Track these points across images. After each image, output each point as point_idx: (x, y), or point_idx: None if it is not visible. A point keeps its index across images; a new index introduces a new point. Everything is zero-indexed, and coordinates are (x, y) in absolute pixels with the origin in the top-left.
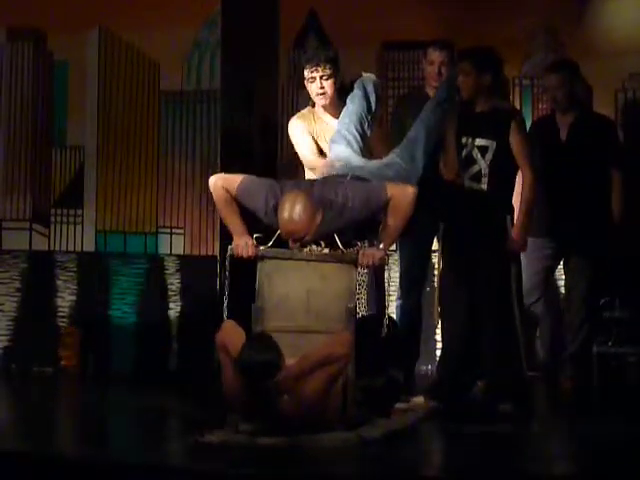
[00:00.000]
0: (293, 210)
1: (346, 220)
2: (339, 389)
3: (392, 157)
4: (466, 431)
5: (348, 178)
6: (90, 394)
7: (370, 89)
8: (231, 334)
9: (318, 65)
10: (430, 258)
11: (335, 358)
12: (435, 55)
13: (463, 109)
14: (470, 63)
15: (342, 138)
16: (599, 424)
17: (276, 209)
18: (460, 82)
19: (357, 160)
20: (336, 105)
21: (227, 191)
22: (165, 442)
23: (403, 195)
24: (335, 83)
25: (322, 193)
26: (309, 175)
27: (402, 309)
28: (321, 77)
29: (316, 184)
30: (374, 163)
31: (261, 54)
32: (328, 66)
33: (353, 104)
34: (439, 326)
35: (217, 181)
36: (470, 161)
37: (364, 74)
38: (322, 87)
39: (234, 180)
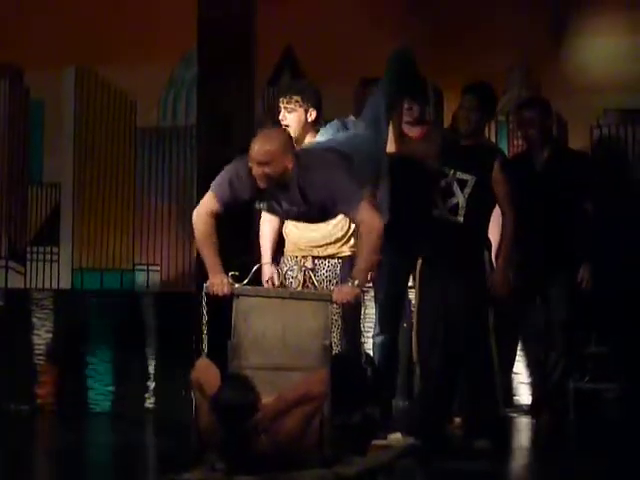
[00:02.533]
0: (266, 138)
1: (314, 198)
2: (315, 427)
3: (359, 126)
4: (443, 468)
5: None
6: (66, 432)
7: (350, 127)
8: (206, 372)
9: (284, 96)
10: (406, 294)
11: (312, 397)
12: None
13: (451, 140)
14: (477, 98)
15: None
16: (575, 460)
17: (249, 179)
18: (463, 116)
19: (327, 135)
20: (312, 140)
21: (211, 214)
22: None
23: (372, 226)
24: (304, 118)
25: (303, 160)
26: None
27: (379, 345)
28: (285, 109)
29: (298, 150)
30: (343, 134)
31: (237, 90)
32: (295, 99)
33: (331, 129)
34: (416, 362)
35: (198, 212)
36: (449, 193)
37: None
38: (284, 118)
39: (208, 195)
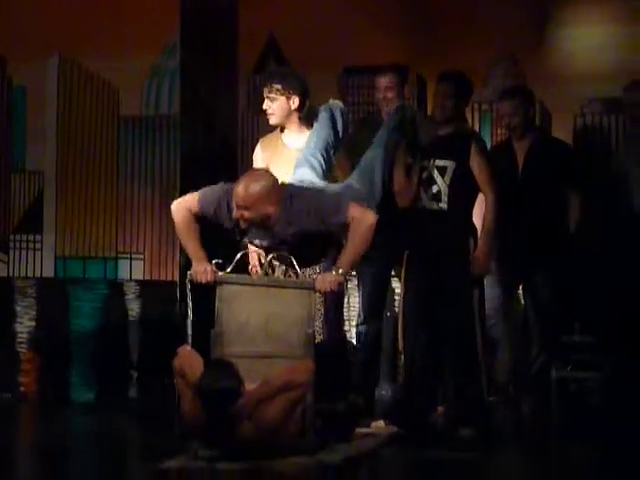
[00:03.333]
0: (249, 182)
1: (302, 227)
2: (299, 414)
3: (350, 182)
4: (426, 456)
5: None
6: (49, 421)
7: (337, 115)
8: (188, 360)
9: (265, 85)
10: (389, 283)
11: (296, 385)
12: (380, 81)
13: (428, 129)
14: (453, 86)
15: (306, 162)
16: (557, 449)
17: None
18: (439, 104)
19: (319, 183)
20: (299, 128)
21: (190, 211)
22: (124, 469)
23: (363, 219)
24: (287, 106)
25: (286, 194)
26: None
27: (362, 334)
28: (267, 98)
29: (285, 193)
30: (334, 186)
31: (220, 79)
32: (276, 87)
33: (320, 130)
34: (401, 350)
35: (178, 205)
36: (430, 181)
37: (331, 100)
38: (268, 107)
39: (193, 197)
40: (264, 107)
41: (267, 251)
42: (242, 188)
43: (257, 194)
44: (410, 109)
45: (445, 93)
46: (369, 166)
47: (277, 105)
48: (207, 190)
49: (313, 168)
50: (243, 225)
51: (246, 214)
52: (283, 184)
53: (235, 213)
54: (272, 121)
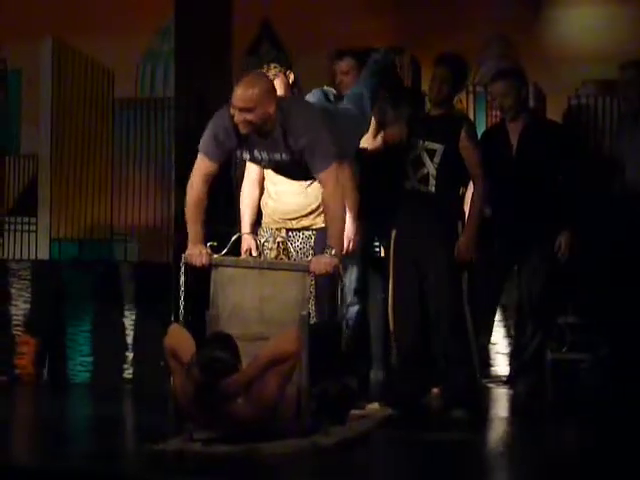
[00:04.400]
0: (248, 84)
1: (297, 148)
2: (293, 396)
3: (344, 104)
4: (421, 438)
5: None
6: (45, 403)
7: (330, 98)
8: (179, 338)
9: (262, 67)
10: (374, 264)
11: (285, 356)
12: (337, 66)
13: (419, 112)
14: (449, 70)
15: None
16: (553, 431)
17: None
18: (435, 87)
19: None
20: None
21: (204, 177)
22: (120, 451)
23: (332, 195)
24: (286, 80)
25: (286, 102)
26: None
27: (348, 317)
28: None
29: (281, 97)
30: (331, 105)
31: (214, 62)
32: (272, 65)
33: (312, 99)
34: (393, 332)
35: (191, 181)
36: (419, 163)
37: (325, 87)
38: None
39: (200, 158)
40: None
41: (267, 165)
42: (242, 91)
43: (258, 94)
44: (387, 55)
45: (442, 76)
46: (358, 96)
47: (278, 82)
48: (202, 140)
49: None
50: (244, 130)
51: (249, 117)
52: (284, 97)
53: (237, 117)
54: None
